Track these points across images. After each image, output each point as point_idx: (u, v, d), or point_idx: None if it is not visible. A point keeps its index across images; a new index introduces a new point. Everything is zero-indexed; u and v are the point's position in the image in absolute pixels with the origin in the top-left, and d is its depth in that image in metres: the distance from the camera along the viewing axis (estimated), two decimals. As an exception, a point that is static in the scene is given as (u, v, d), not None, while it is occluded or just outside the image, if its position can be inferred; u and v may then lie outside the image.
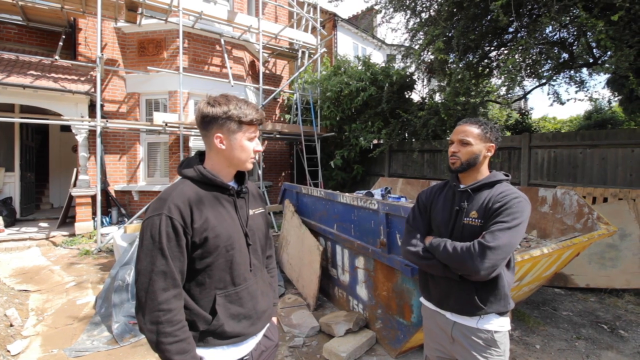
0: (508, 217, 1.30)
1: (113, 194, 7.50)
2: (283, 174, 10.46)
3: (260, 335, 1.30)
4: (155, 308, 1.02)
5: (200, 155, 1.27)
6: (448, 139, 1.54)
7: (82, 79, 6.95)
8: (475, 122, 1.49)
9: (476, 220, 1.38)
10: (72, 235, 6.46)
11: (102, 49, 7.13)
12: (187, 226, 1.08)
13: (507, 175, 1.48)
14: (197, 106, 1.19)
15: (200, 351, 1.13)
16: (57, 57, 6.52)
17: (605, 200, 4.35)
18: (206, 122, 1.17)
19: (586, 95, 5.34)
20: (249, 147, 1.21)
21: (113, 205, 7.40)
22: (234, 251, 1.18)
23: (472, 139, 1.45)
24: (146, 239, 1.06)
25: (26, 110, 7.46)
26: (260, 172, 8.17)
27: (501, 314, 1.39)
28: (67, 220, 7.19)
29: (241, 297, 1.20)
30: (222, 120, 1.15)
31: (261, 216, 1.37)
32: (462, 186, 1.49)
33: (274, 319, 1.46)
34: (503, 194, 1.37)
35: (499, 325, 1.37)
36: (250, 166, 1.25)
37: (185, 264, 1.10)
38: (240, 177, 1.31)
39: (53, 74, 6.68)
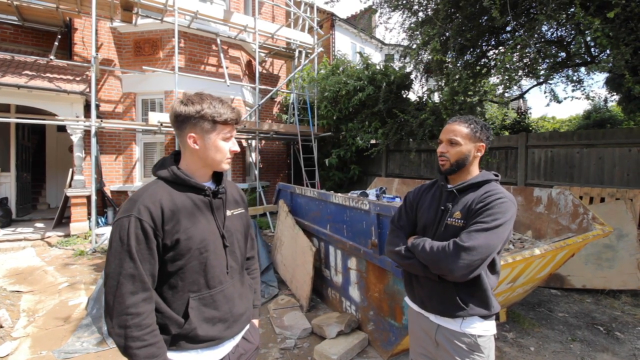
0: (488, 218, 1.25)
1: (109, 194, 7.48)
2: (280, 174, 10.42)
3: (237, 338, 1.27)
4: (123, 312, 0.99)
5: (176, 155, 1.24)
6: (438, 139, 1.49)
7: (78, 79, 6.92)
8: (464, 121, 1.44)
9: (459, 221, 1.35)
10: (68, 235, 6.42)
11: (98, 49, 7.11)
12: (158, 228, 1.06)
13: (496, 176, 1.43)
14: (171, 105, 1.16)
15: (172, 355, 1.10)
16: (52, 57, 6.49)
17: (602, 200, 4.31)
18: (179, 122, 1.14)
19: (582, 94, 5.29)
20: (224, 148, 1.18)
21: (109, 206, 7.38)
22: (208, 253, 1.15)
23: (461, 139, 1.40)
24: (115, 241, 1.03)
25: (22, 110, 7.44)
26: (257, 172, 8.14)
27: (485, 317, 1.35)
28: (63, 220, 7.17)
29: (216, 300, 1.17)
30: (195, 120, 1.12)
31: (240, 217, 1.34)
32: (449, 186, 1.45)
33: (255, 321, 1.43)
34: (487, 194, 1.33)
35: (483, 329, 1.34)
36: (226, 167, 1.22)
37: (156, 266, 1.07)
38: (218, 177, 1.28)
39: (48, 74, 6.65)
